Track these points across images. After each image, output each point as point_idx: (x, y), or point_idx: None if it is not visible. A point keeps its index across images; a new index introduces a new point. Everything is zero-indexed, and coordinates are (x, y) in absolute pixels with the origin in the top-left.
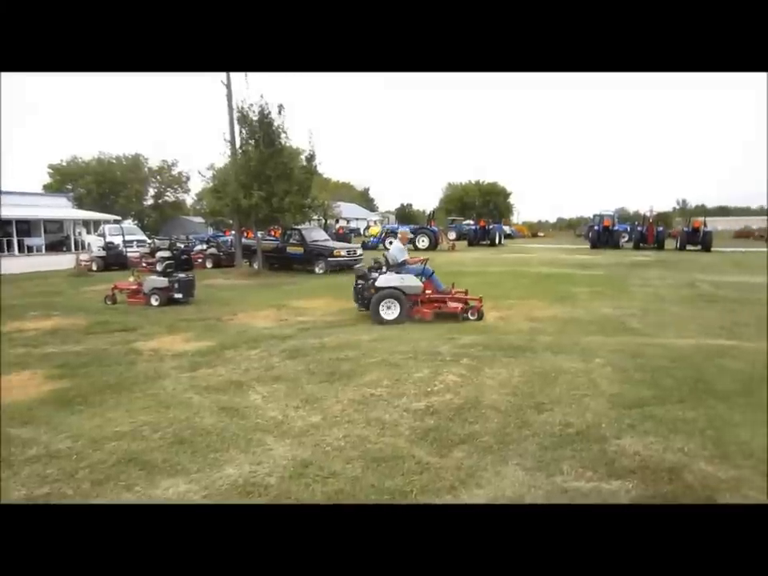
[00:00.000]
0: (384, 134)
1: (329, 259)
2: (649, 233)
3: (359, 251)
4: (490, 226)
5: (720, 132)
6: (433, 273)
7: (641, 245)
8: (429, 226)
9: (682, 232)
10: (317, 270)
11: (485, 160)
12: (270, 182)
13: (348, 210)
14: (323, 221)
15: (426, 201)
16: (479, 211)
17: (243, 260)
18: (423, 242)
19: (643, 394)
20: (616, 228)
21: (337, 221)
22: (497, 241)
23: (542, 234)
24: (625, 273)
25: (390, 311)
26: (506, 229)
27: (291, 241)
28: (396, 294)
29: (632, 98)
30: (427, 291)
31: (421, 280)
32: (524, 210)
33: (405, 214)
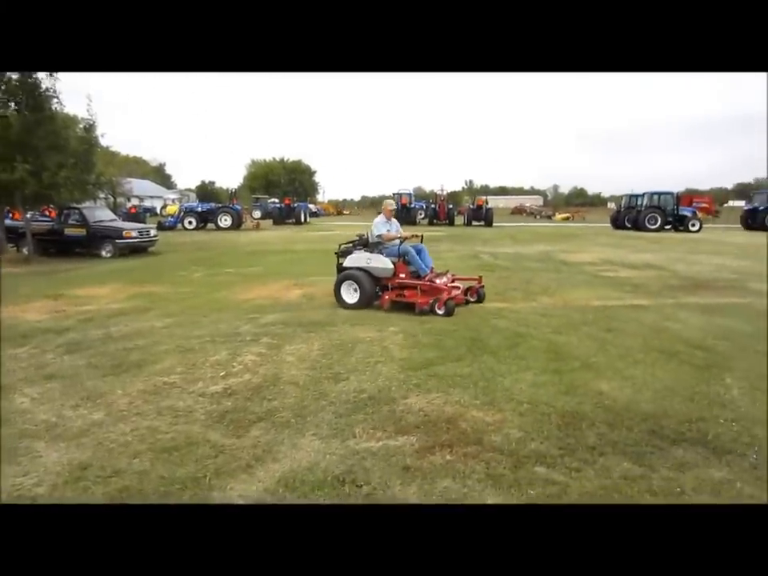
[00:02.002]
0: (184, 108)
1: (117, 241)
2: (440, 210)
3: (153, 232)
4: (296, 205)
5: (500, 119)
6: (419, 253)
7: (434, 221)
8: (231, 205)
9: (468, 209)
10: (104, 253)
11: (289, 137)
12: (38, 153)
13: (141, 187)
14: (112, 199)
15: (230, 178)
16: (285, 189)
17: (9, 245)
18: (226, 221)
19: (429, 355)
20: (413, 206)
21: (129, 199)
22: (302, 219)
23: (347, 212)
24: None
25: (355, 294)
26: (312, 207)
27: (70, 222)
28: (357, 275)
29: (428, 83)
30: (401, 275)
31: (405, 259)
32: (329, 189)
33: (207, 192)
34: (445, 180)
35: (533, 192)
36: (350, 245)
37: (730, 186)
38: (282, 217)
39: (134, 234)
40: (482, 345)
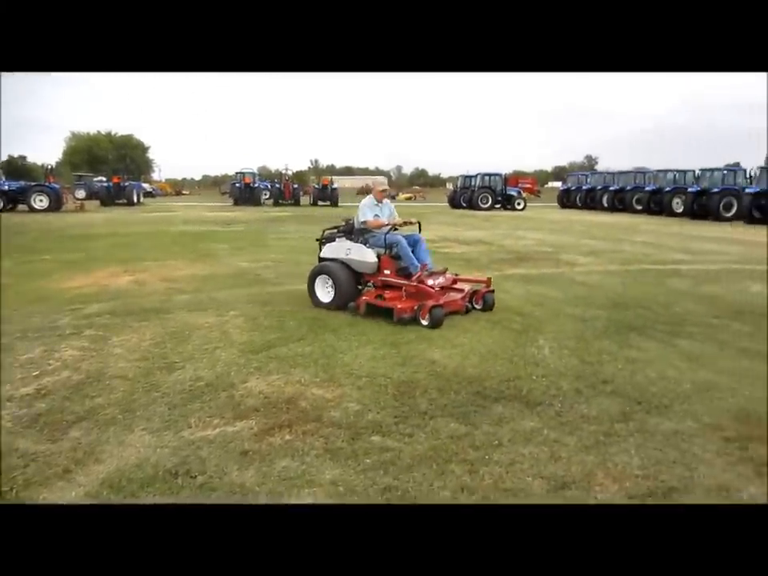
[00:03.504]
0: None
1: None
2: (286, 190)
3: None
4: (127, 183)
5: (347, 99)
6: (414, 245)
7: (280, 201)
8: (47, 183)
9: (314, 189)
10: None
11: (118, 109)
12: None
13: None
14: None
15: (45, 153)
16: (114, 166)
17: None
18: (41, 201)
19: (270, 337)
20: (257, 185)
21: None
22: (135, 199)
23: (186, 192)
24: (264, 228)
25: (331, 291)
26: (146, 186)
27: None
28: (332, 268)
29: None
30: (385, 271)
31: (392, 252)
32: (167, 167)
33: (16, 168)
34: (290, 159)
35: (378, 172)
36: (335, 230)
37: (549, 169)
38: (111, 197)
39: None
40: (323, 323)
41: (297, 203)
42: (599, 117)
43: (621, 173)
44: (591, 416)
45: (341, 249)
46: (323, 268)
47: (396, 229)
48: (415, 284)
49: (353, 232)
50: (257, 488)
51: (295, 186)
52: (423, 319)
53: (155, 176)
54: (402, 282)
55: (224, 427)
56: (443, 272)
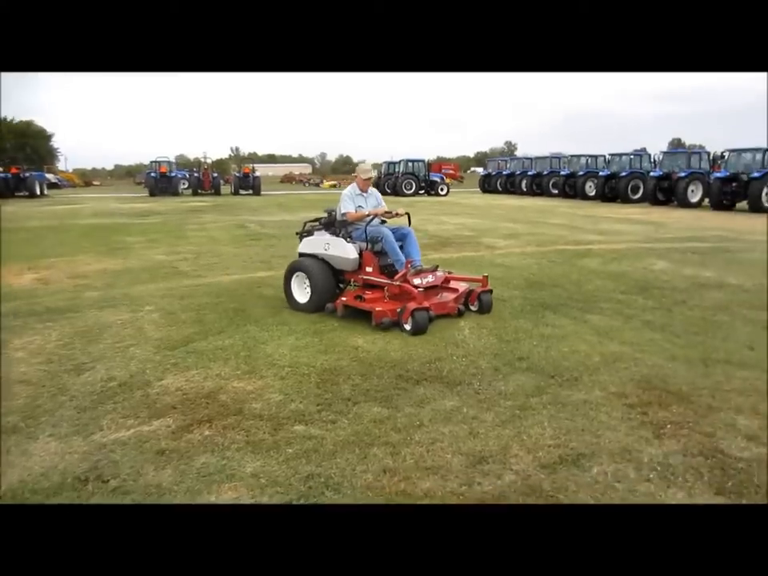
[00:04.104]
0: None
1: None
2: (205, 179)
3: None
4: (27, 174)
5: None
6: (402, 239)
7: (199, 191)
8: None
9: (235, 178)
10: None
11: (18, 94)
12: None
13: None
14: None
15: None
16: (12, 155)
17: None
18: None
19: (188, 332)
20: (174, 174)
21: None
22: (38, 191)
23: (97, 183)
24: (182, 219)
25: (309, 291)
26: (51, 177)
27: None
28: (308, 265)
29: None
30: (367, 268)
31: (375, 247)
32: (74, 157)
33: None
34: (209, 147)
35: (301, 160)
36: (317, 223)
37: (471, 155)
38: (10, 189)
39: None
40: (245, 315)
41: (217, 193)
42: (520, 106)
43: (538, 158)
44: (508, 392)
45: (319, 243)
46: (300, 264)
47: (384, 221)
48: (398, 283)
49: (335, 224)
50: (174, 487)
51: (215, 174)
52: (406, 323)
53: (60, 166)
54: (385, 281)
55: (139, 427)
56: (433, 270)
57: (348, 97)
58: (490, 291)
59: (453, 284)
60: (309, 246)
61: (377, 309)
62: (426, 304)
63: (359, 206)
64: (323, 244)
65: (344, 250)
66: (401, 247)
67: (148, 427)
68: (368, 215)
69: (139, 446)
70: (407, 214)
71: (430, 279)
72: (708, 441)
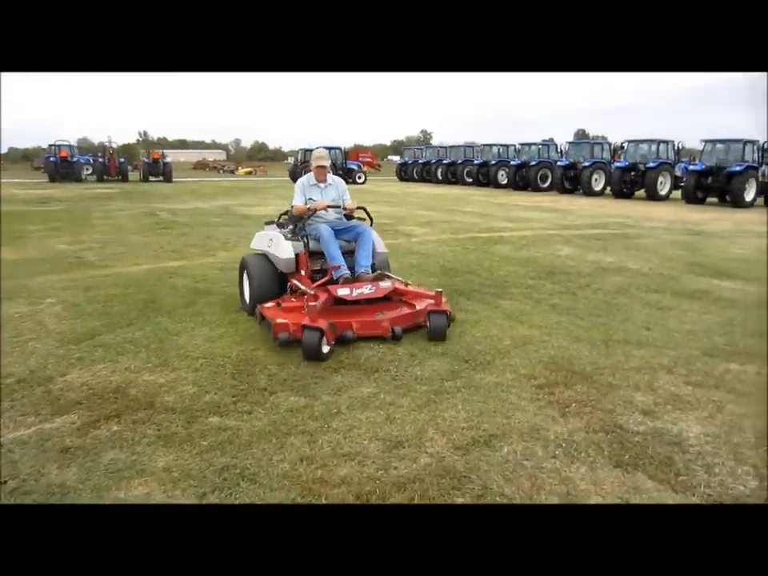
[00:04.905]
0: None
1: None
2: (111, 164)
3: None
4: None
5: None
6: (357, 237)
7: (104, 177)
8: None
9: (144, 164)
10: None
11: None
12: None
13: None
14: None
15: None
16: None
17: None
18: None
19: (94, 325)
20: (76, 159)
21: None
22: None
23: None
24: (86, 206)
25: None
26: None
27: None
28: (249, 263)
29: None
30: (302, 271)
31: (310, 247)
32: None
33: None
34: (114, 131)
35: (215, 146)
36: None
37: (388, 143)
38: None
39: None
40: (156, 306)
41: (125, 179)
42: (437, 95)
43: (452, 147)
44: (424, 377)
45: (266, 239)
46: (245, 262)
47: (352, 217)
48: (313, 293)
49: (290, 219)
50: (80, 485)
51: (122, 160)
52: (325, 345)
53: None
54: (305, 288)
55: (40, 425)
56: (375, 279)
57: (264, 82)
58: (445, 312)
59: (411, 299)
60: (257, 241)
61: (276, 321)
62: (320, 323)
63: (310, 198)
64: (268, 240)
65: (282, 249)
66: (358, 250)
67: (50, 425)
68: (308, 209)
69: (41, 444)
70: (364, 208)
71: (364, 291)
72: (608, 417)
